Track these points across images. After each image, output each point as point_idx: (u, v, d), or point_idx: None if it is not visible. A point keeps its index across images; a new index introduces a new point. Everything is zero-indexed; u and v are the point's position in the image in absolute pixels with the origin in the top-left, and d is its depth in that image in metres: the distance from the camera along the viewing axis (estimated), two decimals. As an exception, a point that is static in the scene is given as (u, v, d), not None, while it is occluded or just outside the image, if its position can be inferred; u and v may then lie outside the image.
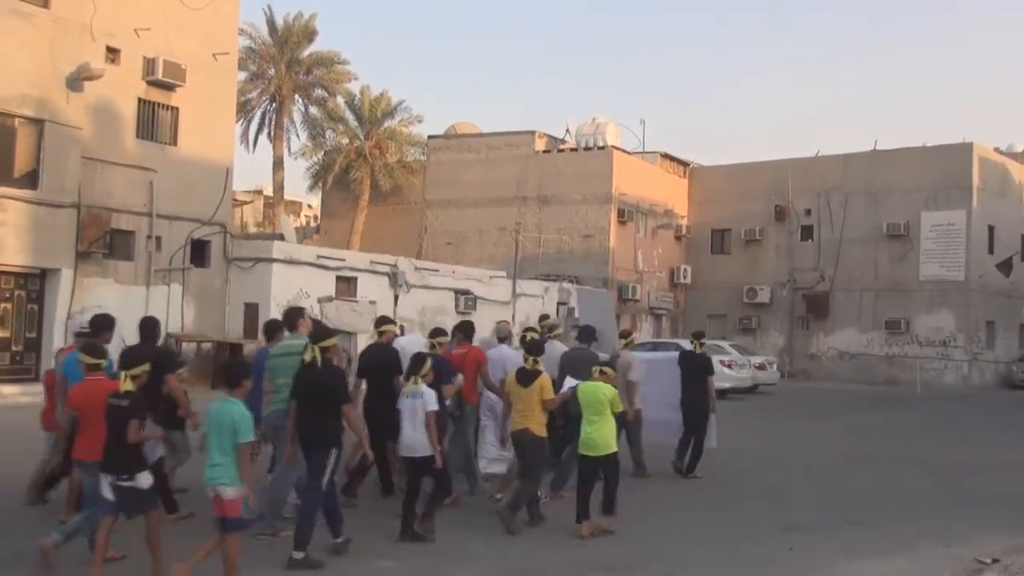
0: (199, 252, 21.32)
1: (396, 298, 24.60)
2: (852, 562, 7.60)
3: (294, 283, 22.00)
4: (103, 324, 8.17)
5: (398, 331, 9.90)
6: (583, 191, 33.74)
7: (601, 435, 8.11)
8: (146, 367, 6.63)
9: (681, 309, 37.49)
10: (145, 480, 6.33)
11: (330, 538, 7.25)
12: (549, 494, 9.27)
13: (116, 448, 6.26)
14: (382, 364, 8.85)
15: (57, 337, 17.99)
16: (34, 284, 18.21)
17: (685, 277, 37.00)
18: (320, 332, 7.43)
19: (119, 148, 19.63)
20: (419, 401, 7.58)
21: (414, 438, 7.58)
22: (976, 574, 7.21)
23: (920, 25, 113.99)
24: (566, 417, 9.03)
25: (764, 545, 8.15)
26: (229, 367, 6.78)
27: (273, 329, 8.79)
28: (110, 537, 6.37)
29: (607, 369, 8.63)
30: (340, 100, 38.92)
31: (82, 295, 18.60)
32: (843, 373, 34.17)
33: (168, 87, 20.41)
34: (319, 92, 39.43)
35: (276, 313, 21.30)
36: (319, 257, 23.20)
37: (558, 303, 30.11)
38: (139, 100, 20.10)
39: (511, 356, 9.68)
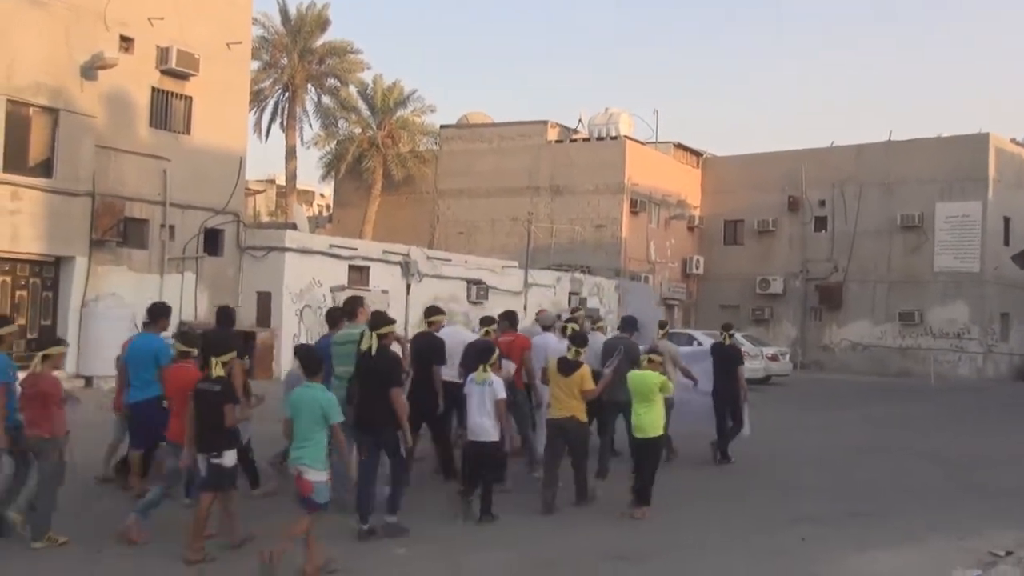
0: (212, 241, 21.38)
1: (408, 287, 24.62)
2: (863, 554, 7.59)
3: (307, 272, 22.06)
4: (160, 311, 8.83)
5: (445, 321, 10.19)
6: (595, 181, 33.65)
7: (650, 419, 8.60)
8: (234, 354, 7.11)
9: (693, 300, 37.40)
10: (230, 459, 6.78)
11: (385, 515, 7.56)
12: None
13: (208, 429, 6.70)
14: (425, 352, 9.06)
15: (72, 325, 18.12)
16: (49, 272, 18.31)
17: (698, 268, 36.89)
18: (377, 320, 7.73)
19: (133, 137, 19.69)
20: (488, 389, 7.93)
21: (482, 424, 7.93)
22: (989, 567, 7.19)
23: (937, 14, 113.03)
24: (600, 404, 9.44)
25: (776, 536, 8.15)
26: (306, 355, 7.02)
27: (336, 318, 9.08)
28: (210, 511, 6.79)
29: (655, 357, 9.02)
30: (353, 90, 38.90)
31: (96, 283, 18.70)
32: (856, 365, 34.04)
33: (182, 76, 20.45)
34: (332, 82, 39.43)
35: (289, 302, 21.48)
36: (332, 246, 23.24)
37: (570, 293, 30.08)
38: (153, 89, 20.14)
39: (554, 344, 9.92)
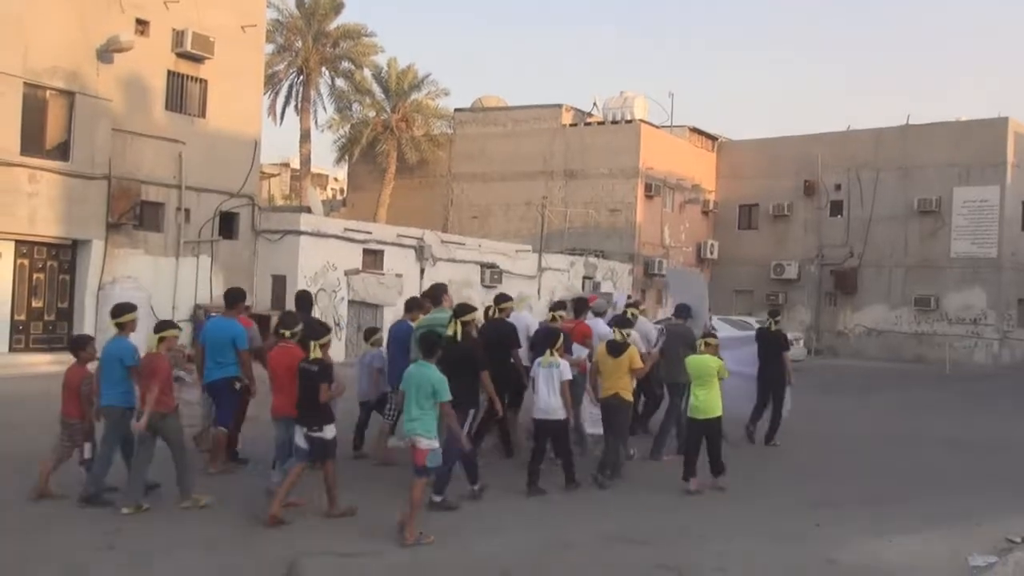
0: (227, 224, 21.46)
1: (422, 271, 24.66)
2: (879, 539, 7.57)
3: (321, 256, 22.11)
4: (236, 297, 9.34)
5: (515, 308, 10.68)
6: (610, 165, 33.52)
7: (708, 401, 9.05)
8: (330, 336, 7.78)
9: (708, 284, 37.28)
10: (330, 432, 7.42)
11: (468, 486, 8.21)
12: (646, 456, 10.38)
13: (308, 405, 7.38)
14: (502, 338, 9.54)
15: (88, 307, 18.24)
16: (66, 255, 18.43)
17: (712, 252, 36.75)
18: (462, 308, 8.43)
19: (148, 120, 19.74)
20: (555, 371, 8.54)
21: (549, 403, 8.52)
22: (1006, 553, 7.16)
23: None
24: (659, 384, 10.31)
25: (791, 521, 8.15)
26: (425, 340, 7.54)
27: (413, 305, 9.89)
28: (299, 481, 7.42)
29: (712, 341, 9.52)
30: (367, 73, 38.81)
31: (112, 266, 18.81)
32: (871, 350, 33.89)
33: (197, 59, 20.47)
34: (346, 65, 39.33)
35: (303, 285, 21.50)
36: (346, 230, 23.27)
37: (584, 277, 30.06)
38: (168, 72, 20.17)
39: (604, 330, 10.37)
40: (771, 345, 12.27)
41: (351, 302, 22.82)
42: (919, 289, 33.39)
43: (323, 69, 39.14)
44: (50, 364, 17.31)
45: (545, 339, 8.89)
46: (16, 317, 17.53)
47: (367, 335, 10.59)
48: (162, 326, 8.03)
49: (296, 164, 46.81)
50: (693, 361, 9.34)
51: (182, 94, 20.55)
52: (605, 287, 29.93)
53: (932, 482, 10.31)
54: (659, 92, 49.23)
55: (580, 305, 10.89)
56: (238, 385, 9.00)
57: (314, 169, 44.94)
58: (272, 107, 38.67)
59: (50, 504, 7.71)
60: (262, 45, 23.60)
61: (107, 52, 18.24)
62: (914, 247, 33.70)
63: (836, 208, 35.49)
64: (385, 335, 10.38)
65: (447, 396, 7.13)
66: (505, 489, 8.85)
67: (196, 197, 20.61)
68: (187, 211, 20.43)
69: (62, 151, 17.94)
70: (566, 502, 8.45)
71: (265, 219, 22.58)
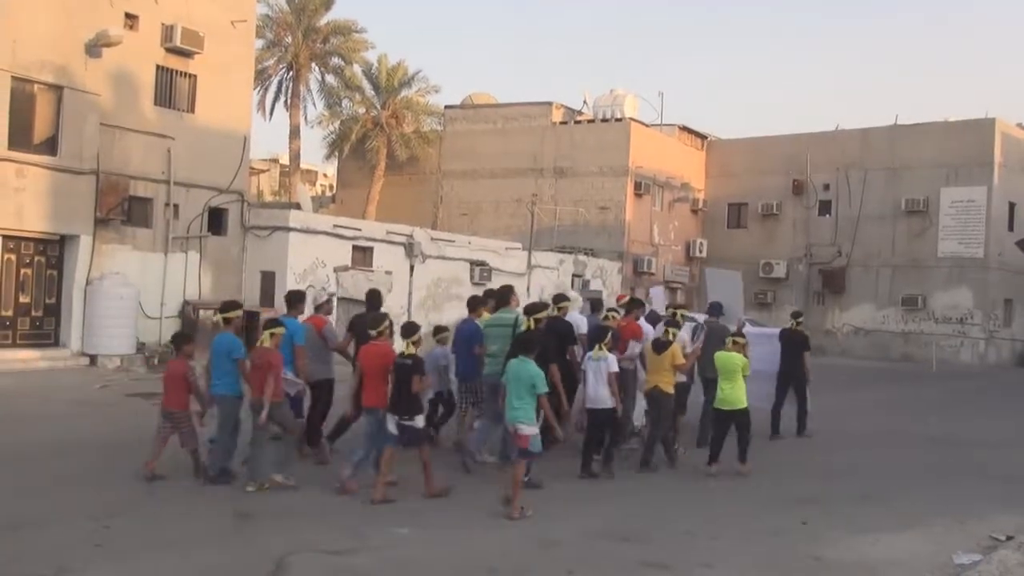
0: (216, 220, 21.37)
1: (412, 268, 24.64)
2: (865, 537, 7.62)
3: (310, 252, 22.06)
4: (297, 298, 9.90)
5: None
6: (600, 163, 33.56)
7: (734, 394, 9.89)
8: (420, 334, 8.45)
9: (696, 283, 37.32)
10: (420, 421, 8.18)
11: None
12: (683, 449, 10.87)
13: (401, 396, 8.12)
14: (560, 334, 9.98)
15: (76, 303, 18.15)
16: (53, 250, 18.32)
17: (701, 251, 36.85)
18: (534, 307, 9.28)
19: (137, 115, 19.64)
20: (604, 364, 9.22)
21: (598, 393, 9.22)
22: (990, 551, 7.22)
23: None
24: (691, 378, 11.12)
25: (778, 518, 8.20)
26: (526, 339, 8.44)
27: (477, 304, 10.63)
28: (392, 462, 8.15)
29: (740, 339, 10.27)
30: (357, 69, 38.76)
31: (100, 262, 18.72)
32: (858, 349, 34.06)
33: (186, 54, 20.37)
34: (336, 61, 39.28)
35: (293, 282, 21.50)
36: (335, 226, 23.23)
37: (573, 275, 30.09)
38: (157, 67, 20.06)
39: (647, 328, 11.21)
40: (794, 344, 12.90)
41: (340, 299, 22.78)
42: (906, 288, 33.58)
43: (313, 65, 39.07)
44: (38, 360, 17.24)
45: (595, 336, 9.56)
46: (3, 312, 17.43)
47: (434, 332, 10.96)
48: (271, 323, 8.77)
49: (285, 160, 46.74)
50: (721, 357, 10.14)
51: (171, 89, 20.46)
52: (594, 285, 29.99)
53: (918, 480, 10.39)
54: (649, 90, 49.37)
55: (633, 305, 11.50)
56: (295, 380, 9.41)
57: (303, 165, 44.89)
58: (262, 103, 38.65)
59: (44, 502, 7.70)
60: (252, 40, 23.49)
61: (96, 46, 18.12)
62: (902, 247, 33.87)
63: (824, 207, 35.64)
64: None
65: (544, 389, 8.00)
66: (490, 486, 8.87)
67: (185, 193, 20.53)
68: (176, 207, 20.33)
69: (50, 145, 17.83)
70: (553, 500, 8.47)
71: (254, 215, 22.51)
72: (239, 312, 8.82)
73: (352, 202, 37.29)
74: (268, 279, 21.74)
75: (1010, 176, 33.18)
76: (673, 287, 35.69)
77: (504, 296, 10.12)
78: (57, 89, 17.74)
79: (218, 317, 8.94)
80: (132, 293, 18.68)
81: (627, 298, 12.16)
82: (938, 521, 8.23)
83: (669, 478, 9.82)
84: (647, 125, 35.47)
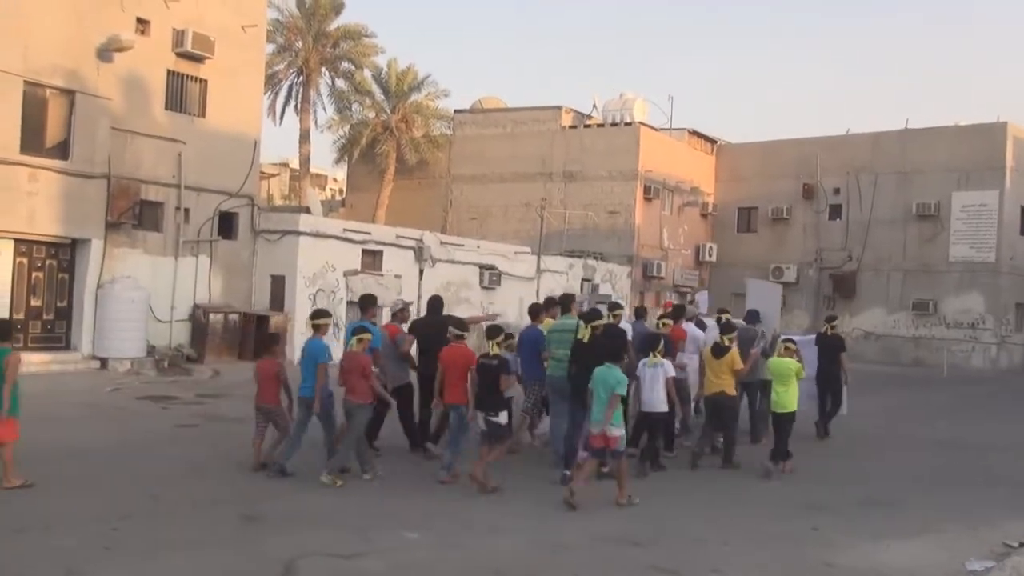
0: (226, 224, 21.43)
1: (421, 272, 24.66)
2: (877, 543, 7.58)
3: (320, 256, 22.10)
4: (370, 302, 10.42)
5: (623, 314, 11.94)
6: (609, 167, 33.51)
7: (788, 397, 10.37)
8: (503, 336, 9.22)
9: (706, 287, 37.21)
10: (504, 417, 8.90)
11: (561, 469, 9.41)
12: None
13: (487, 394, 8.82)
14: (614, 340, 10.10)
15: (87, 306, 18.22)
16: (65, 254, 18.40)
17: (711, 255, 36.75)
18: (591, 314, 9.81)
19: (148, 119, 19.72)
20: (660, 370, 9.70)
21: (653, 398, 9.66)
22: (1003, 557, 7.17)
23: (955, 0, 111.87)
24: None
25: (789, 524, 8.16)
26: (614, 348, 9.06)
27: (537, 311, 11.11)
28: (487, 456, 8.89)
29: (791, 345, 10.76)
30: (367, 73, 38.81)
31: (111, 265, 18.79)
32: (868, 354, 33.85)
33: (197, 59, 20.45)
34: (346, 65, 39.34)
35: (302, 286, 21.56)
36: (345, 230, 23.26)
37: (582, 279, 30.06)
38: (168, 72, 20.14)
39: (693, 332, 11.93)
40: (829, 348, 13.40)
41: (350, 303, 22.80)
42: (917, 293, 33.41)
43: (323, 69, 39.15)
44: (49, 363, 17.30)
45: (648, 344, 10.00)
46: (15, 316, 17.50)
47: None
48: (359, 329, 9.32)
49: (295, 164, 46.80)
50: (775, 363, 10.63)
51: (182, 93, 20.54)
52: (604, 289, 29.93)
53: (929, 486, 10.32)
54: (658, 94, 49.30)
55: (679, 311, 12.12)
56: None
57: (313, 169, 44.94)
58: (272, 107, 38.71)
59: (54, 504, 7.72)
60: (262, 45, 23.57)
61: (107, 51, 18.21)
62: (912, 251, 33.72)
63: (835, 211, 35.48)
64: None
65: (623, 391, 8.59)
66: (503, 490, 8.85)
67: (195, 197, 20.59)
68: (186, 211, 20.41)
69: (62, 150, 17.92)
70: (562, 504, 8.45)
71: (264, 219, 22.57)
72: (328, 320, 9.59)
73: (362, 206, 37.34)
74: (278, 283, 21.79)
75: (1022, 180, 32.96)
76: (682, 291, 35.66)
77: (566, 304, 10.81)
78: (69, 94, 17.82)
79: (309, 323, 9.74)
80: (143, 297, 18.74)
81: (672, 305, 12.72)
82: (950, 527, 8.18)
83: (677, 482, 9.78)
84: (656, 129, 35.41)
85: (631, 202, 33.32)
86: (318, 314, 9.66)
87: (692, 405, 12.21)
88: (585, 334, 9.41)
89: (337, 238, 22.67)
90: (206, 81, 20.84)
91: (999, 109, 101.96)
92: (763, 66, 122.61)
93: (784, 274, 35.42)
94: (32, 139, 17.36)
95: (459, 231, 33.05)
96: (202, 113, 20.85)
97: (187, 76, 20.53)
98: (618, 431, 8.45)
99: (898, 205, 33.79)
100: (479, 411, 8.86)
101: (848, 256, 34.94)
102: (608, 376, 8.54)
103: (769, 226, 36.66)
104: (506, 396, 9.04)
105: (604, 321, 9.82)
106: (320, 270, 22.06)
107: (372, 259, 23.51)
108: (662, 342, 10.06)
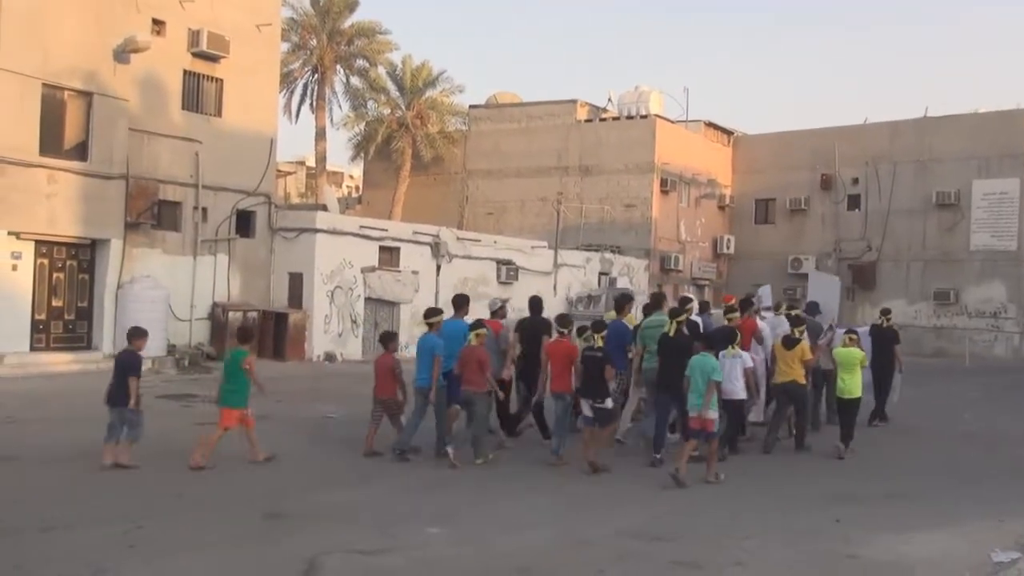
0: (244, 223, 21.52)
1: (438, 268, 24.69)
2: (900, 535, 7.52)
3: (337, 253, 22.16)
4: (463, 301, 11.27)
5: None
6: (625, 160, 33.42)
7: (853, 383, 11.23)
8: (606, 331, 10.11)
9: (724, 280, 37.13)
10: (610, 403, 9.81)
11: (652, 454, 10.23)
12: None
13: (593, 383, 9.66)
14: (719, 338, 10.85)
15: (108, 306, 18.35)
16: (85, 254, 18.53)
17: (728, 247, 36.60)
18: (677, 311, 10.56)
19: (165, 120, 19.83)
20: (738, 361, 10.42)
21: (732, 386, 10.25)
22: (1028, 549, 7.10)
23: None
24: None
25: (811, 517, 8.11)
26: (721, 335, 10.27)
27: (622, 305, 11.84)
28: (592, 437, 9.76)
29: (854, 336, 11.63)
30: (381, 70, 38.83)
31: (131, 265, 18.91)
32: (889, 344, 33.60)
33: (212, 59, 20.54)
34: (361, 63, 39.36)
35: (320, 283, 21.63)
36: (362, 227, 23.30)
37: (599, 273, 30.01)
38: (184, 72, 20.24)
39: (764, 327, 12.51)
40: (883, 340, 13.92)
41: (367, 299, 22.87)
42: (938, 283, 33.14)
43: (338, 67, 39.19)
44: (71, 363, 17.44)
45: (726, 337, 10.50)
46: (36, 316, 17.66)
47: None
48: (476, 325, 10.16)
49: (312, 162, 46.98)
50: (841, 352, 11.44)
51: (198, 93, 20.63)
52: (621, 283, 29.87)
53: (953, 477, 10.24)
54: (674, 87, 49.03)
55: (746, 304, 12.75)
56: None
57: (329, 167, 45.07)
58: (287, 105, 38.79)
59: (78, 503, 7.79)
60: (277, 44, 23.63)
61: (124, 52, 18.31)
62: (932, 240, 33.44)
63: (853, 202, 35.23)
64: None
65: (719, 377, 9.33)
66: (522, 486, 8.86)
67: (213, 196, 20.70)
68: (204, 210, 20.51)
69: (80, 151, 18.03)
70: (584, 500, 8.45)
71: (281, 217, 22.65)
72: (440, 317, 10.46)
73: (378, 203, 37.41)
74: (296, 280, 21.87)
75: (1044, 167, 32.60)
76: (700, 284, 35.54)
77: (658, 301, 11.78)
78: (87, 95, 17.94)
79: (422, 322, 10.69)
80: (162, 296, 18.86)
81: (735, 299, 13.08)
82: (974, 519, 8.10)
83: (699, 474, 9.75)
84: (672, 121, 35.26)
85: (648, 195, 33.22)
86: (431, 312, 10.62)
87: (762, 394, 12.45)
88: (671, 329, 10.19)
89: (354, 235, 22.72)
90: (222, 80, 20.92)
91: (1020, 96, 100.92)
92: (779, 57, 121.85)
93: (803, 265, 35.22)
94: (51, 141, 17.49)
95: (475, 226, 33.05)
96: (218, 112, 20.94)
97: (203, 76, 20.62)
98: (714, 415, 9.21)
99: (917, 194, 33.52)
100: (586, 399, 9.70)
101: (867, 246, 34.69)
102: (705, 364, 9.30)
103: (787, 217, 36.46)
104: (610, 385, 9.94)
105: (686, 316, 10.57)
106: (338, 267, 22.12)
107: (389, 256, 23.55)
108: (739, 336, 10.72)
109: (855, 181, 35.04)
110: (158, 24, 19.58)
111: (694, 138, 35.97)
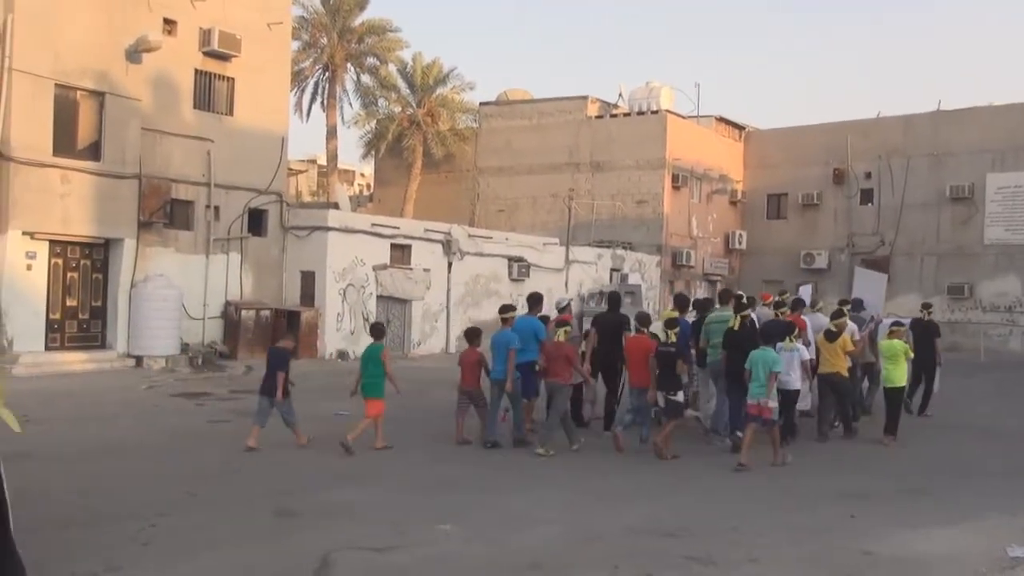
0: (256, 221, 21.59)
1: (450, 265, 24.70)
2: (915, 530, 7.47)
3: (349, 251, 22.20)
4: (536, 300, 11.88)
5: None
6: (636, 156, 33.34)
7: (898, 373, 11.75)
8: (679, 326, 10.67)
9: (736, 275, 37.01)
10: (680, 396, 10.43)
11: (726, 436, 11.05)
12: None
13: (665, 376, 10.31)
14: (775, 332, 11.34)
15: (121, 305, 18.43)
16: (98, 254, 18.63)
17: (740, 243, 36.47)
18: (741, 306, 11.22)
19: (177, 119, 19.90)
20: (796, 353, 10.91)
21: (789, 377, 10.61)
22: (1044, 544, 7.04)
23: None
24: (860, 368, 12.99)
25: (824, 512, 8.08)
26: (778, 329, 10.70)
27: (685, 304, 12.97)
28: (668, 428, 10.35)
29: (898, 329, 12.03)
30: (392, 68, 38.83)
31: (144, 264, 19.00)
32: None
33: (224, 57, 20.60)
34: (371, 60, 39.39)
35: (332, 281, 21.69)
36: (374, 225, 23.33)
37: (611, 269, 29.96)
38: (196, 71, 20.32)
39: (815, 323, 12.92)
40: (925, 333, 14.36)
41: (379, 297, 22.91)
42: (952, 277, 32.93)
43: (348, 65, 39.24)
44: (85, 362, 17.55)
45: (784, 331, 10.97)
46: (51, 316, 17.76)
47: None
48: (562, 323, 10.95)
49: (323, 160, 47.05)
50: (884, 344, 12.02)
51: (210, 92, 20.70)
52: (633, 279, 29.84)
53: (966, 472, 10.18)
54: (685, 82, 48.86)
55: (797, 303, 13.19)
56: (538, 367, 11.00)
57: (341, 165, 45.13)
58: (299, 104, 38.88)
59: (92, 501, 7.83)
60: (288, 42, 23.69)
61: (136, 52, 18.39)
62: (946, 234, 33.23)
63: (866, 196, 35.04)
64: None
65: (778, 368, 9.93)
66: (532, 481, 8.85)
67: (225, 195, 20.77)
68: (216, 209, 20.58)
69: (93, 151, 18.13)
70: (596, 496, 8.43)
71: (293, 215, 22.71)
72: (513, 314, 11.10)
73: (390, 200, 37.45)
74: (308, 279, 21.92)
75: (1058, 160, 32.35)
76: (712, 280, 35.43)
77: (726, 298, 12.31)
78: (99, 95, 18.02)
79: (499, 316, 11.25)
80: (175, 295, 18.94)
81: (772, 298, 13.40)
82: (989, 514, 8.04)
83: (713, 469, 9.72)
84: (684, 117, 35.15)
85: (659, 191, 33.13)
86: (506, 308, 11.21)
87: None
88: (735, 323, 10.79)
89: (366, 233, 22.75)
90: (233, 79, 20.98)
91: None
92: (791, 51, 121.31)
93: (815, 260, 35.08)
94: (64, 141, 17.58)
95: (487, 223, 33.05)
96: (230, 111, 21.00)
97: (214, 75, 20.68)
98: (773, 403, 9.82)
99: (931, 188, 33.31)
100: (660, 391, 10.33)
101: (880, 241, 34.50)
102: (766, 357, 9.92)
103: (799, 212, 36.29)
104: (682, 379, 10.54)
105: (749, 312, 11.17)
106: (349, 265, 22.16)
107: (401, 253, 23.58)
108: (796, 329, 11.25)
109: (868, 175, 34.84)
110: (169, 23, 19.65)
111: (705, 133, 35.84)
